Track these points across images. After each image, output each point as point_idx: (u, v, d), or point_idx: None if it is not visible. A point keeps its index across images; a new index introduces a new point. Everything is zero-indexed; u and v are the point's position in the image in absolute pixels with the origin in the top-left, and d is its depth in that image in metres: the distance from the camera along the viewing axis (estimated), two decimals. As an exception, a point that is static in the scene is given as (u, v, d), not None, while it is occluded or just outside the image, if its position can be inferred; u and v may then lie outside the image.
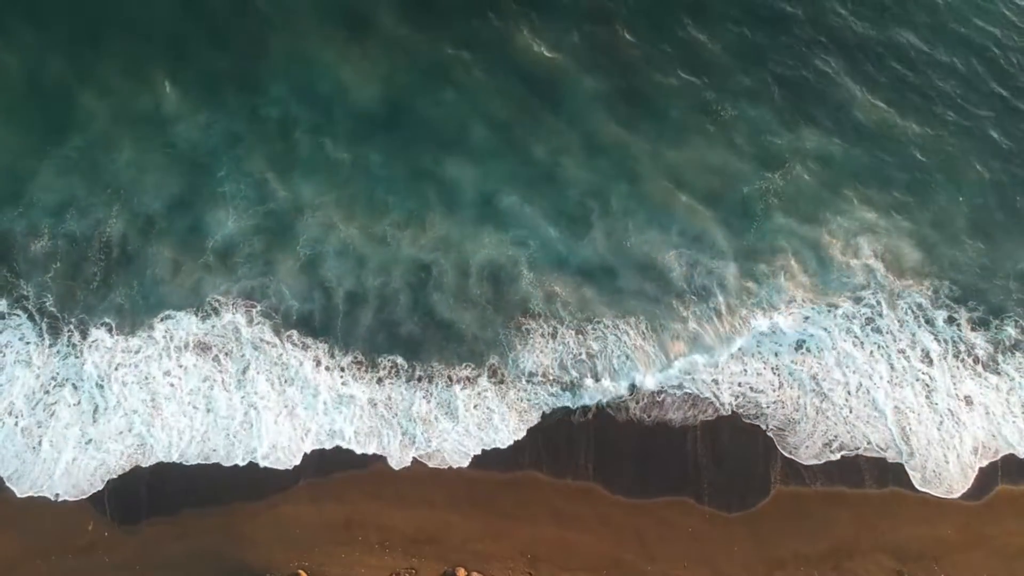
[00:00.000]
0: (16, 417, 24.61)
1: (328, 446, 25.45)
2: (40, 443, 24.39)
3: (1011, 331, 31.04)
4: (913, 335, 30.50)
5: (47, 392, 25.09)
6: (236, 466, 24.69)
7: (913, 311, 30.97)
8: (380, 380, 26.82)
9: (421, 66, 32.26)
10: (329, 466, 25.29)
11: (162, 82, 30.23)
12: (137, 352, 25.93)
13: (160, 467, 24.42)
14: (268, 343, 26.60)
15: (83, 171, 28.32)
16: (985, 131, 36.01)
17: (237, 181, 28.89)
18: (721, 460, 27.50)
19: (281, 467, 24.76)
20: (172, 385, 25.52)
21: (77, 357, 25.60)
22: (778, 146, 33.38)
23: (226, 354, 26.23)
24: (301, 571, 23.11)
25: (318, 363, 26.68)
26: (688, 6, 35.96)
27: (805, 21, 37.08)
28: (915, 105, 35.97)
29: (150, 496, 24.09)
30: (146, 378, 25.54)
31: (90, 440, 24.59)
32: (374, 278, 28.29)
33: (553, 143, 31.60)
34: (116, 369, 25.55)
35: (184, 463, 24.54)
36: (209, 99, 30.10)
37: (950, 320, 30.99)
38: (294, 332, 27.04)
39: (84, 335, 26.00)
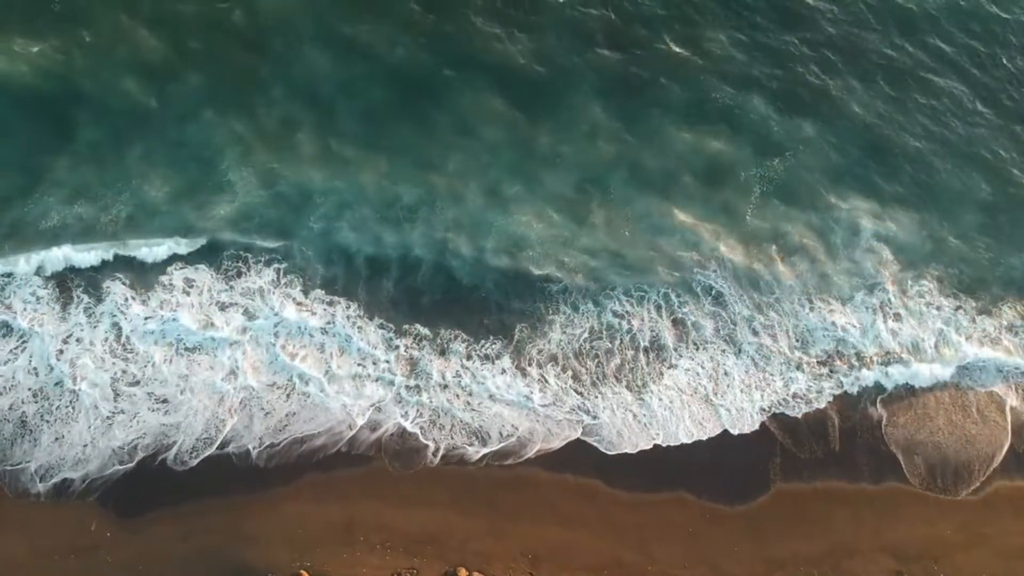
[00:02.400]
0: (34, 376, 24.73)
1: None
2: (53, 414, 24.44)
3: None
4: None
5: (62, 351, 25.07)
6: (238, 465, 24.77)
7: (922, 297, 31.47)
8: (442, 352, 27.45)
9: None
10: (330, 464, 25.29)
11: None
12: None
13: (162, 466, 24.44)
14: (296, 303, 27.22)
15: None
16: (991, 123, 36.11)
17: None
18: (721, 455, 27.60)
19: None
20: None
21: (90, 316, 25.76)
22: (779, 135, 33.37)
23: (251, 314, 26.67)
24: (303, 571, 23.20)
25: (351, 320, 27.21)
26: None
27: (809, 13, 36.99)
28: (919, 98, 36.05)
29: (152, 496, 24.03)
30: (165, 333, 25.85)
31: (120, 411, 24.74)
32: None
33: (555, 133, 31.59)
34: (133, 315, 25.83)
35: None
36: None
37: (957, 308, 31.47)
38: (320, 291, 27.54)
39: (99, 297, 26.16)
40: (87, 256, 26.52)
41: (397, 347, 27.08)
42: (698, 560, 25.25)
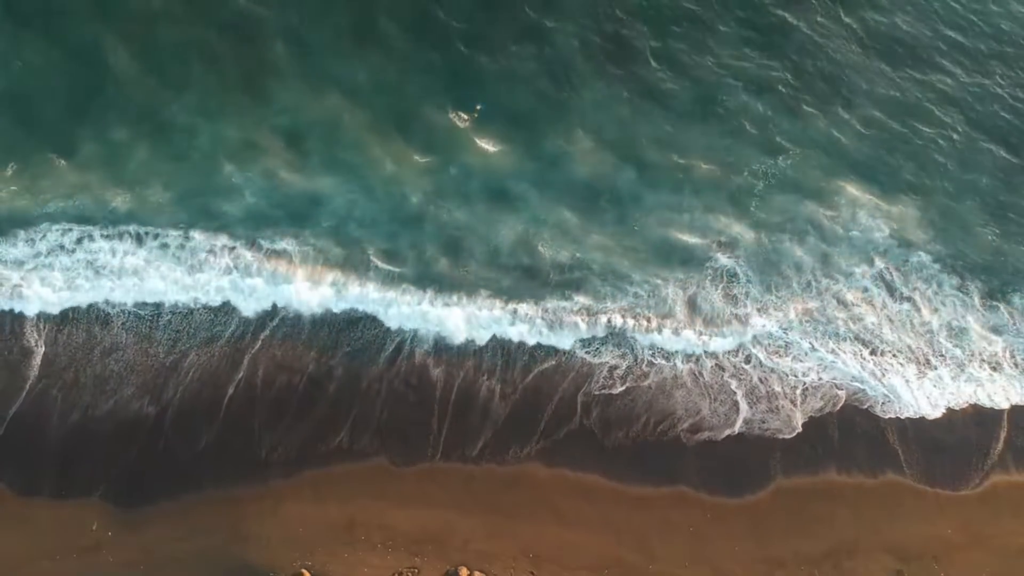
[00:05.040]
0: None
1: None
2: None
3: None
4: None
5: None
6: (240, 463, 24.69)
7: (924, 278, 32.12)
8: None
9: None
10: (329, 459, 25.20)
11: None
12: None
13: (163, 464, 24.37)
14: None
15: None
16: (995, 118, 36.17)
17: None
18: (722, 449, 27.62)
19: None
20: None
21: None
22: (784, 131, 33.29)
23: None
24: (304, 571, 23.21)
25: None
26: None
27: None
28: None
29: (153, 495, 23.96)
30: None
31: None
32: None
33: (563, 132, 31.32)
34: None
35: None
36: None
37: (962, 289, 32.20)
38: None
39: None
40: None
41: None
42: (699, 559, 25.32)
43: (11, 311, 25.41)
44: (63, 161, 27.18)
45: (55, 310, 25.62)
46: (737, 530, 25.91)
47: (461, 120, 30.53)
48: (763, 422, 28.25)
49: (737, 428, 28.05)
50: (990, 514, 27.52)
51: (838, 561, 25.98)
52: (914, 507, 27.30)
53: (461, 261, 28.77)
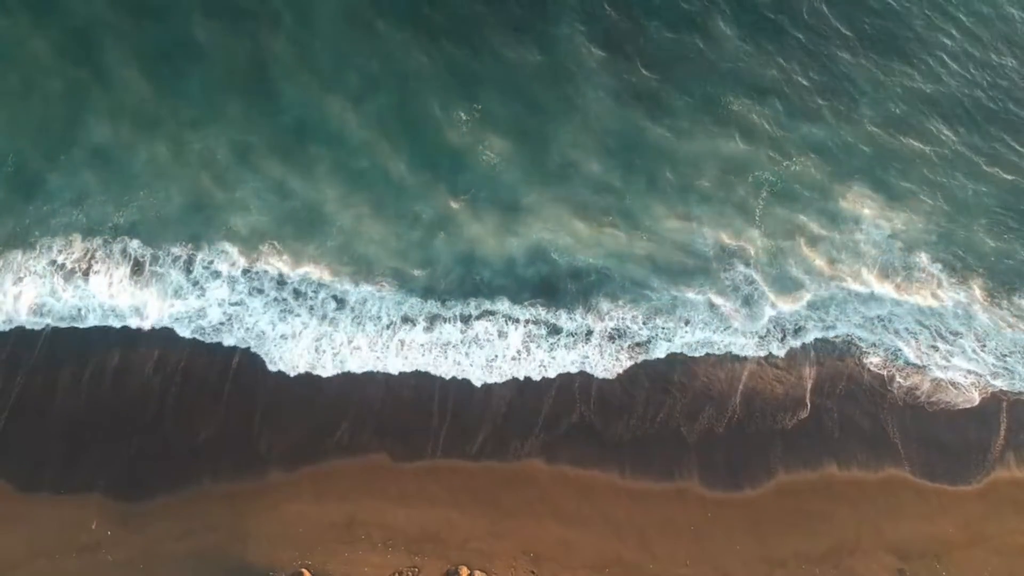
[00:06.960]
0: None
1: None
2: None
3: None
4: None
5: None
6: (240, 461, 24.56)
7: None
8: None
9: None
10: (327, 454, 25.07)
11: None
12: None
13: (162, 463, 24.22)
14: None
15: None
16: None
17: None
18: (723, 444, 27.54)
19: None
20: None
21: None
22: (789, 137, 33.30)
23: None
24: (304, 570, 23.16)
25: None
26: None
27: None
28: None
29: (153, 494, 23.85)
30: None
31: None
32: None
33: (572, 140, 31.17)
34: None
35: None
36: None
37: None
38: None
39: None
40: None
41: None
42: (699, 558, 25.26)
43: (10, 318, 25.29)
44: (63, 160, 26.99)
45: (51, 320, 25.57)
46: (738, 528, 25.83)
47: (463, 122, 30.25)
48: (771, 386, 28.13)
49: (742, 388, 28.10)
50: (991, 511, 27.47)
51: (839, 560, 25.92)
52: (915, 504, 27.25)
53: (474, 272, 28.60)
